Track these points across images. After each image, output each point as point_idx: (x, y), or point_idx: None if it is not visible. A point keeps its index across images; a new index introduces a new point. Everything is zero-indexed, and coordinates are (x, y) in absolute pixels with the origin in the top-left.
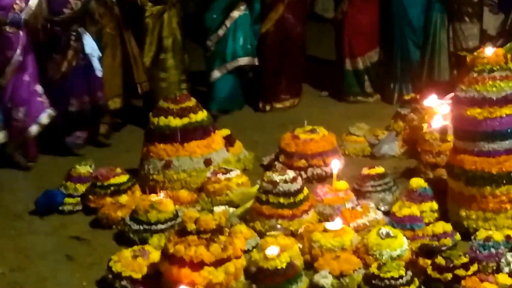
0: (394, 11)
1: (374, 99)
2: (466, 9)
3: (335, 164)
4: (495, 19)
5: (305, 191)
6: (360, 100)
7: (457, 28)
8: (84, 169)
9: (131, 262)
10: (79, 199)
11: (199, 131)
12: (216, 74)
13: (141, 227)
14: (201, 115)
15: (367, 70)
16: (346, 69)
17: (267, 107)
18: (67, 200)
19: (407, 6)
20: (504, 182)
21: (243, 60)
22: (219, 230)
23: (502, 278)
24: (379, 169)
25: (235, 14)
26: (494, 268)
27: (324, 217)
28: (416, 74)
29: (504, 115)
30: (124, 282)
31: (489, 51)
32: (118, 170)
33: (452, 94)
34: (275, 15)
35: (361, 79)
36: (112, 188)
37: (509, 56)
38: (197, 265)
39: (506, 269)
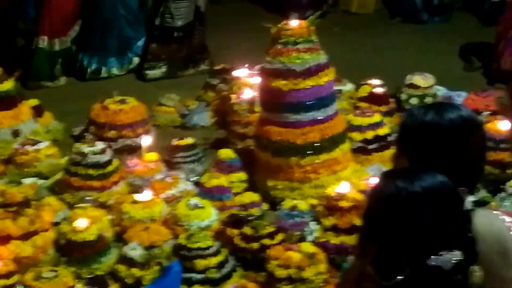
0: None
1: (62, 82)
2: None
3: (146, 137)
4: None
5: (115, 162)
6: (48, 85)
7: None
8: None
9: None
10: None
11: (5, 101)
12: None
13: None
14: (7, 84)
15: (63, 51)
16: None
17: None
18: None
19: None
20: (309, 152)
21: None
22: (26, 203)
23: (306, 246)
24: (189, 140)
25: None
26: (299, 237)
27: (134, 189)
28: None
29: (308, 87)
30: None
31: (293, 23)
32: None
33: (261, 66)
34: None
35: (53, 61)
36: None
37: (312, 28)
38: (4, 239)
39: (310, 238)
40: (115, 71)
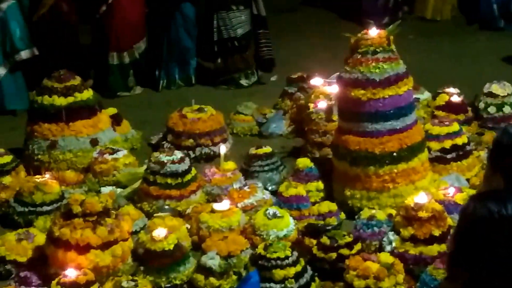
0: None
1: (138, 91)
2: None
3: (223, 145)
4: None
5: (193, 171)
6: (125, 95)
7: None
8: None
9: (15, 246)
10: None
11: (84, 110)
12: (0, 71)
13: (26, 209)
14: (87, 94)
15: (133, 63)
16: (110, 64)
17: None
18: None
19: None
20: (387, 162)
21: (26, 53)
22: (105, 212)
23: (384, 256)
24: (267, 149)
25: (3, 5)
26: (377, 246)
27: (212, 198)
28: (185, 61)
29: (387, 96)
30: (8, 266)
31: (372, 32)
32: (2, 150)
33: (337, 74)
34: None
35: (126, 73)
36: None
37: (391, 38)
38: (83, 248)
39: (388, 248)
40: (180, 82)
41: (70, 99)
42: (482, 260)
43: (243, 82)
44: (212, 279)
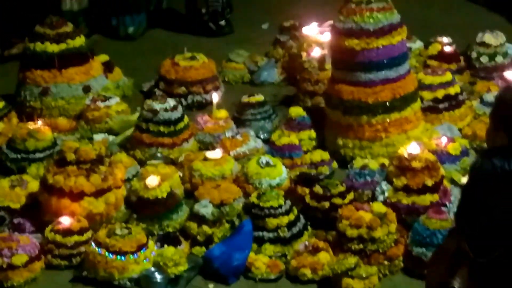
0: None
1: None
2: None
3: (215, 93)
4: None
5: (186, 119)
6: None
7: None
8: None
9: (8, 192)
10: None
11: (77, 57)
12: None
13: (19, 156)
14: (79, 40)
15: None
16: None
17: None
18: None
19: None
20: (380, 111)
21: None
22: (99, 160)
23: (377, 206)
24: (259, 97)
25: None
26: (370, 196)
27: (205, 146)
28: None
29: (381, 46)
30: (1, 213)
31: None
32: None
33: (330, 22)
34: None
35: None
36: None
37: None
38: (77, 196)
39: (381, 197)
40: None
41: (63, 46)
42: (484, 212)
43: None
44: (205, 227)
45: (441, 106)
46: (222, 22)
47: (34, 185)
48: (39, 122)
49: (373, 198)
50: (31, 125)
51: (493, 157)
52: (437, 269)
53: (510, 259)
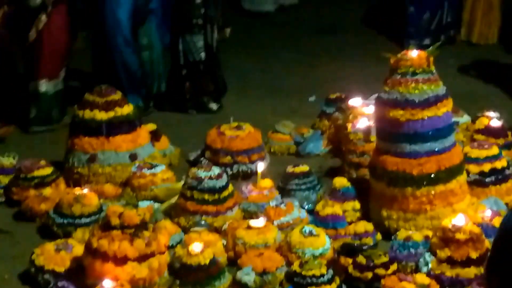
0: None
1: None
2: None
3: (261, 163)
4: None
5: (230, 188)
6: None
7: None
8: (7, 160)
9: (54, 256)
10: (1, 191)
11: (125, 125)
12: None
13: (65, 221)
14: (127, 109)
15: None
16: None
17: None
18: None
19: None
20: (424, 183)
21: None
22: (143, 225)
23: (420, 277)
24: (304, 167)
25: None
26: (413, 268)
27: (249, 215)
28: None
29: (426, 118)
30: (46, 276)
31: (412, 53)
32: (42, 162)
33: (376, 95)
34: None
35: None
36: (36, 180)
37: (431, 59)
38: (121, 260)
39: (424, 269)
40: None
41: (111, 114)
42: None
43: (213, 106)
44: None
45: (487, 180)
46: (213, 106)
47: (79, 249)
48: (86, 188)
49: (417, 270)
50: (77, 191)
51: None
52: None
53: None
